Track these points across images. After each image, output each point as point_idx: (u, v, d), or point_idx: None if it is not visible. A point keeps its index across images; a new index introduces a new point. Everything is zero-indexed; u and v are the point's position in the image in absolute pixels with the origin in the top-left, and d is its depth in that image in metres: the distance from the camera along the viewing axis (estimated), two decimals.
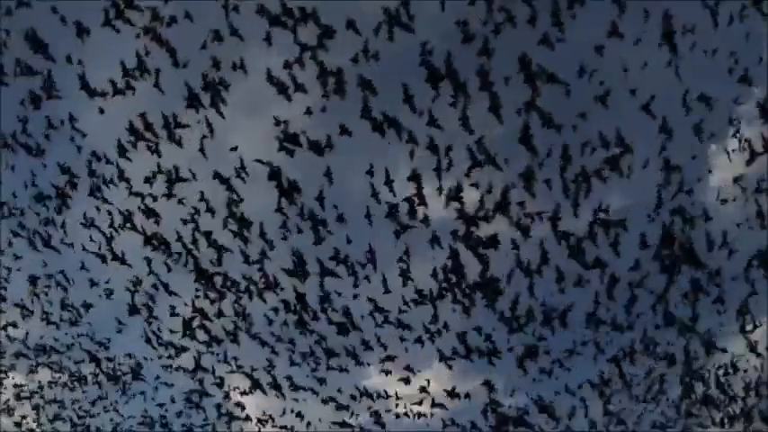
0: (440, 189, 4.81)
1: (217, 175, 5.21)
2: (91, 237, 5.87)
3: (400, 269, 5.42)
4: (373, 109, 4.67)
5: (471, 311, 5.29)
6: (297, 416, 6.50)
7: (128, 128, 5.10)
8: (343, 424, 6.45)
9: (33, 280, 6.32)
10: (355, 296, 5.64)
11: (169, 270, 5.85)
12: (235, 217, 5.34)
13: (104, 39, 5.02)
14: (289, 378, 6.28)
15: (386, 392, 6.44)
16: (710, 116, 4.80)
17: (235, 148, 5.21)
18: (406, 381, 6.10)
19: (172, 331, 6.40)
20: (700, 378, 5.32)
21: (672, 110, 4.79)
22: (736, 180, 4.88)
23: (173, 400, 7.32)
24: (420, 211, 4.86)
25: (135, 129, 5.12)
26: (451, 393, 5.93)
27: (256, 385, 6.43)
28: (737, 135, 4.89)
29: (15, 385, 7.31)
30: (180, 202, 5.56)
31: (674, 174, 4.77)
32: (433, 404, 6.27)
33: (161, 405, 7.35)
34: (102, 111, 5.13)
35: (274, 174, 5.03)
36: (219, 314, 6.05)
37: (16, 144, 5.45)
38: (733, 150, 4.92)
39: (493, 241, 4.81)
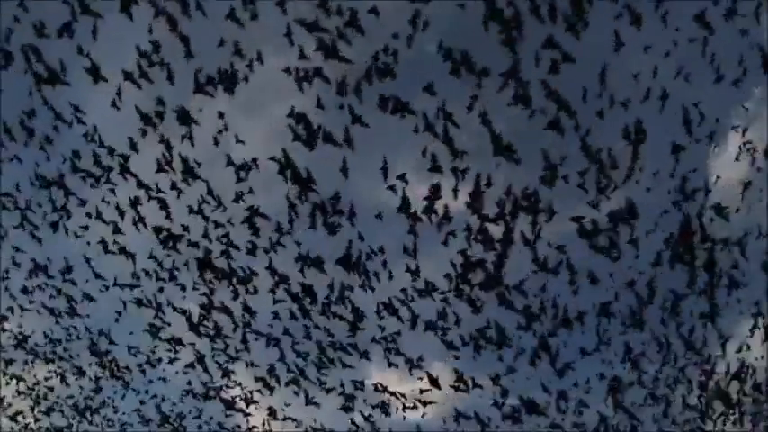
0: (455, 190, 4.83)
1: (230, 162, 5.17)
2: (86, 227, 5.85)
3: (407, 265, 5.44)
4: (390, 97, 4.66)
5: (482, 309, 5.32)
6: (307, 403, 6.43)
7: (139, 115, 5.06)
8: (348, 408, 6.38)
9: (35, 268, 6.25)
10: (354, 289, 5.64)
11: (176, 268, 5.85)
12: (251, 209, 5.31)
13: (117, 27, 5.00)
14: (296, 368, 6.23)
15: (387, 388, 6.44)
16: (712, 120, 4.88)
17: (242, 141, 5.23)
18: (414, 366, 6.04)
19: (168, 324, 6.42)
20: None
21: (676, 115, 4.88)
22: (745, 187, 4.92)
23: (163, 399, 7.32)
24: (439, 207, 4.85)
25: (146, 116, 5.07)
26: (458, 380, 5.87)
27: (264, 383, 6.42)
28: (745, 146, 4.96)
29: (13, 376, 7.23)
30: (178, 195, 5.56)
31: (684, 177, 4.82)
32: (434, 383, 6.16)
33: (154, 396, 7.34)
34: (116, 106, 5.10)
35: (286, 161, 4.99)
36: (225, 309, 6.05)
37: (23, 131, 5.40)
38: (738, 158, 5.00)
39: (508, 234, 4.81)
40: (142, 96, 5.10)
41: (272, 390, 6.45)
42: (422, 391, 6.28)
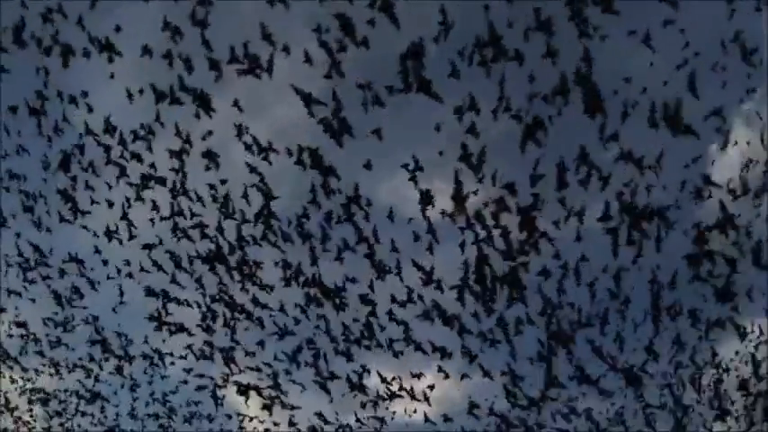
0: (476, 191, 4.85)
1: (247, 147, 5.11)
2: (89, 212, 5.81)
3: (416, 263, 5.45)
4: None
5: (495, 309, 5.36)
6: (321, 387, 6.40)
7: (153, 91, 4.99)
8: (356, 386, 6.35)
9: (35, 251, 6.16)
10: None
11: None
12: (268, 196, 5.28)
13: (133, 19, 4.96)
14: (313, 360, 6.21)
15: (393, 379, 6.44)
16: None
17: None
18: (419, 348, 6.03)
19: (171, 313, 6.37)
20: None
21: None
22: (757, 195, 4.97)
23: (153, 394, 7.28)
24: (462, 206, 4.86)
25: (162, 93, 5.00)
26: (471, 359, 5.88)
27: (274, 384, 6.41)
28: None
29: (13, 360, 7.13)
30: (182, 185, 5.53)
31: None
32: (441, 371, 6.11)
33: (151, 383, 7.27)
34: (130, 96, 5.04)
35: (306, 147, 4.95)
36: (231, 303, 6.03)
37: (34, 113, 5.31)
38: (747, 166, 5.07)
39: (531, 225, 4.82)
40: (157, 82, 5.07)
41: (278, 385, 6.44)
42: (415, 376, 6.25)
